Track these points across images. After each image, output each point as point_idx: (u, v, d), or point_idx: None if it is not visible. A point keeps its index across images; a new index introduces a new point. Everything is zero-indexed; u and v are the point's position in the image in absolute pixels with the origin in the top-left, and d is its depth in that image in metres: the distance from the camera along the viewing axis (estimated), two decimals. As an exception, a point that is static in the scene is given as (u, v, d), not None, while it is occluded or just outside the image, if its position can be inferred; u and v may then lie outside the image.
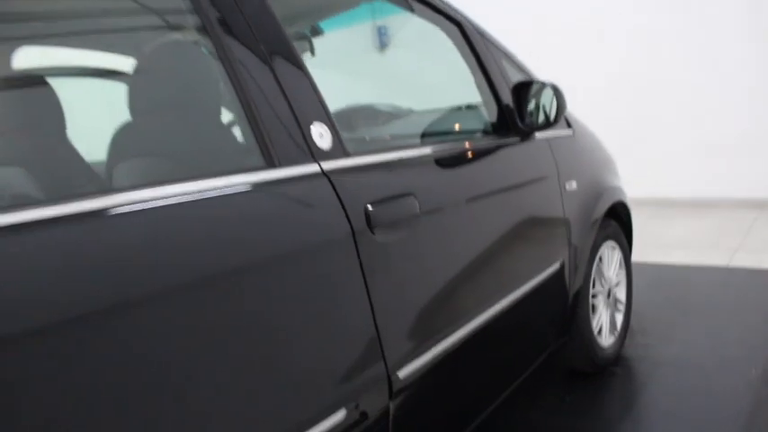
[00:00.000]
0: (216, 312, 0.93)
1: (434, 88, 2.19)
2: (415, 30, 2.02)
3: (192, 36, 1.32)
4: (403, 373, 1.29)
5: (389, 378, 1.25)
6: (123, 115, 1.31)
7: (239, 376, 0.95)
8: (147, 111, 1.33)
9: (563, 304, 2.11)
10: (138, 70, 1.54)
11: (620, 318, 2.61)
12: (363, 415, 1.18)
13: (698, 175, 5.48)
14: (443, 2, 1.89)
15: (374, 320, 1.21)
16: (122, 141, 1.31)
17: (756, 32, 5.12)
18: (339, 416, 1.11)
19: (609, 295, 2.52)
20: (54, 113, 1.27)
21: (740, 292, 3.27)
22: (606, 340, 2.48)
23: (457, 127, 2.05)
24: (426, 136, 2.01)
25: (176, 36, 1.43)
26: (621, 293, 2.63)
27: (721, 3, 5.27)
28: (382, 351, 1.22)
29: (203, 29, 1.17)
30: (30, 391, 0.72)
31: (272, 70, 1.20)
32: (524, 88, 1.90)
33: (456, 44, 1.94)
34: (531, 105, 1.90)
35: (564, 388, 2.39)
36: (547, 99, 1.90)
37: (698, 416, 2.07)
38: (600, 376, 2.44)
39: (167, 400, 0.86)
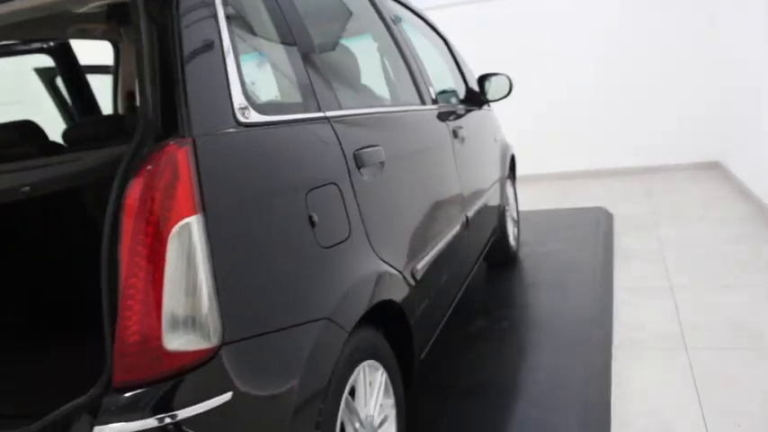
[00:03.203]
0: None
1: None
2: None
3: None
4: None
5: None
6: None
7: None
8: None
9: (500, 208, 3.44)
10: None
11: (516, 231, 4.04)
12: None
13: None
14: (435, 24, 3.08)
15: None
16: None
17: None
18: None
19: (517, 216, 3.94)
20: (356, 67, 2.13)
21: (580, 221, 4.91)
22: (513, 242, 3.88)
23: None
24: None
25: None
26: (515, 213, 4.07)
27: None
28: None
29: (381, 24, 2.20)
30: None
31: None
32: (485, 77, 3.16)
33: (442, 51, 3.13)
34: (487, 88, 3.17)
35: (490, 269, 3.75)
36: (501, 84, 3.17)
37: (566, 275, 3.55)
38: (511, 264, 3.84)
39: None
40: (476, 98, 3.18)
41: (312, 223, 1.38)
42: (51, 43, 2.68)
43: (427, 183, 2.16)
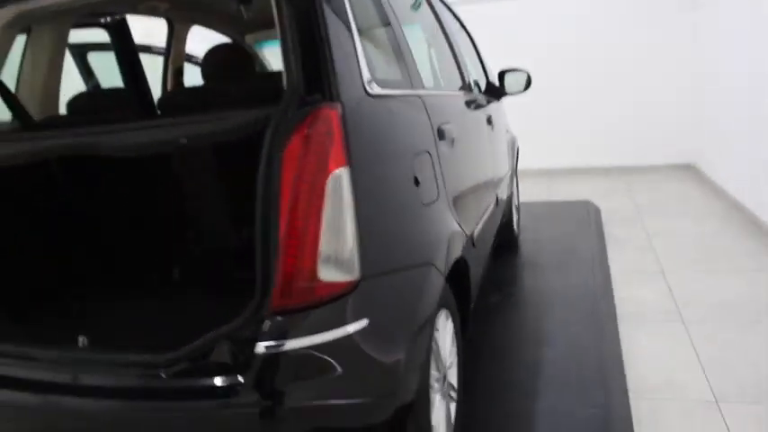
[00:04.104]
0: None
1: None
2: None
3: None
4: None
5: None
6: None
7: None
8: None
9: (510, 194, 3.73)
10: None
11: (517, 217, 4.36)
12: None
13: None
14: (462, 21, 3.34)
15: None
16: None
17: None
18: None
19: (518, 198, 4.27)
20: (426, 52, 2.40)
21: (571, 212, 5.25)
22: (516, 227, 4.19)
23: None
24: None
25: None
26: (517, 201, 4.38)
27: None
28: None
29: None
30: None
31: None
32: (505, 72, 3.43)
33: (467, 44, 3.39)
34: (506, 81, 3.44)
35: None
36: (519, 79, 3.45)
37: (565, 258, 3.86)
38: (514, 248, 4.15)
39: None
40: (495, 90, 3.45)
41: (417, 182, 1.62)
42: (110, 19, 2.81)
43: (476, 161, 2.43)
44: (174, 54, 2.97)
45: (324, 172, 1.31)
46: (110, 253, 2.11)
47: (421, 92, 1.85)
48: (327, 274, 1.31)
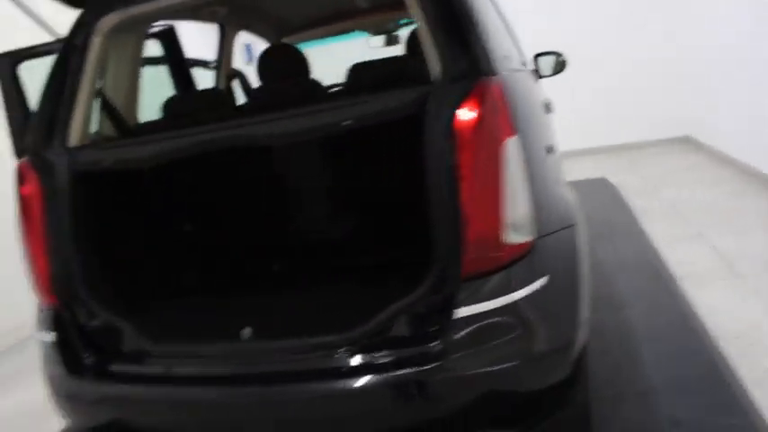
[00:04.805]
0: None
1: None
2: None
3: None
4: None
5: None
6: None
7: None
8: None
9: None
10: None
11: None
12: None
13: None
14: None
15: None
16: None
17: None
18: None
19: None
20: None
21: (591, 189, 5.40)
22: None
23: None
24: None
25: None
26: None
27: None
28: None
29: None
30: None
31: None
32: (542, 54, 3.54)
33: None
34: (542, 63, 3.55)
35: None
36: (554, 62, 3.56)
37: (605, 230, 4.00)
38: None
39: None
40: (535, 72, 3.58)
41: (548, 151, 1.71)
42: (160, 28, 2.83)
43: (553, 136, 2.55)
44: (225, 58, 3.00)
45: (498, 141, 1.39)
46: (273, 241, 2.17)
47: (529, 67, 1.94)
48: (510, 237, 1.39)
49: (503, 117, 1.41)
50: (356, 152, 1.96)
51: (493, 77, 1.44)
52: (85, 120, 1.83)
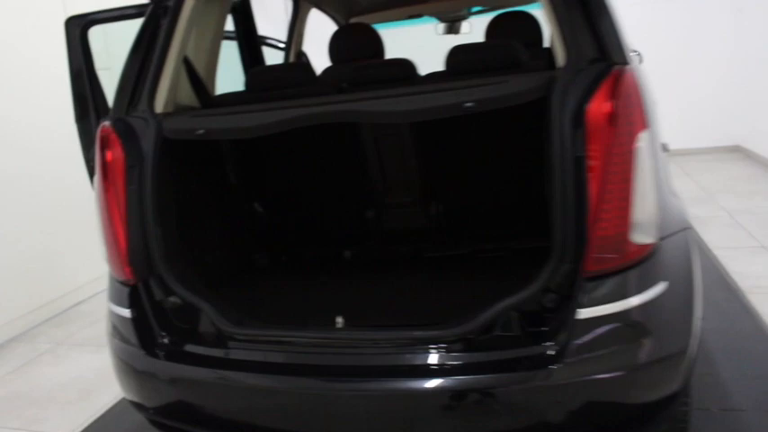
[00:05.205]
0: None
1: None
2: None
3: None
4: None
5: None
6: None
7: None
8: None
9: None
10: None
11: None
12: None
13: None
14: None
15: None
16: None
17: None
18: None
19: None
20: None
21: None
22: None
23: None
24: None
25: None
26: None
27: None
28: None
29: None
30: None
31: None
32: None
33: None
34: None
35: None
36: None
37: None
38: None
39: None
40: None
41: (664, 148, 1.60)
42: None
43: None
44: (296, 35, 2.91)
45: (633, 134, 1.29)
46: (357, 225, 2.12)
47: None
48: (637, 236, 1.29)
49: (638, 109, 1.31)
50: (467, 134, 1.86)
51: (626, 66, 1.34)
52: (172, 85, 1.75)
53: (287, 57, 2.94)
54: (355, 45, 2.37)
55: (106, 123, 1.68)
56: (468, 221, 2.06)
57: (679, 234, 1.48)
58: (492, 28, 2.50)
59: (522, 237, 1.98)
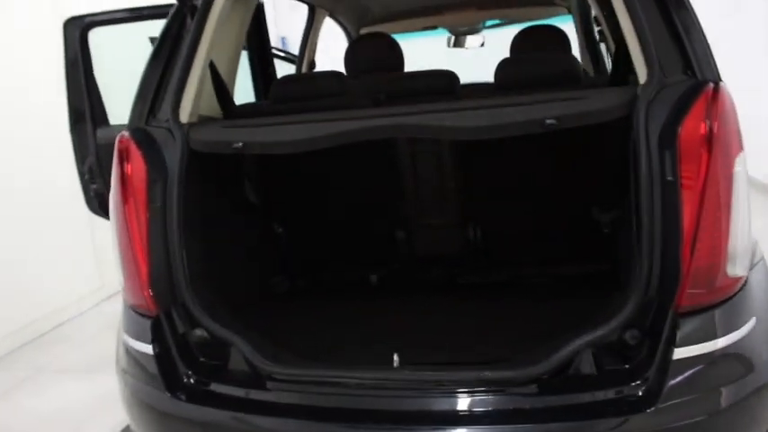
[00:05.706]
0: None
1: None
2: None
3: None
4: None
5: None
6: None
7: None
8: None
9: None
10: None
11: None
12: None
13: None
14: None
15: None
16: None
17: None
18: None
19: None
20: None
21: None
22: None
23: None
24: None
25: None
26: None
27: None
28: None
29: None
30: None
31: None
32: None
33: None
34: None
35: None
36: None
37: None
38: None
39: None
40: None
41: None
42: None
43: None
44: (311, 43, 2.78)
45: (731, 158, 1.18)
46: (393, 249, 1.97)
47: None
48: (732, 269, 1.19)
49: (734, 129, 1.20)
50: (511, 153, 1.71)
51: (720, 83, 1.23)
52: (198, 93, 1.58)
53: (299, 67, 2.80)
54: (377, 56, 2.23)
55: (125, 134, 1.51)
56: (508, 246, 1.92)
57: (758, 265, 1.38)
58: (520, 42, 2.40)
59: (564, 263, 1.87)
